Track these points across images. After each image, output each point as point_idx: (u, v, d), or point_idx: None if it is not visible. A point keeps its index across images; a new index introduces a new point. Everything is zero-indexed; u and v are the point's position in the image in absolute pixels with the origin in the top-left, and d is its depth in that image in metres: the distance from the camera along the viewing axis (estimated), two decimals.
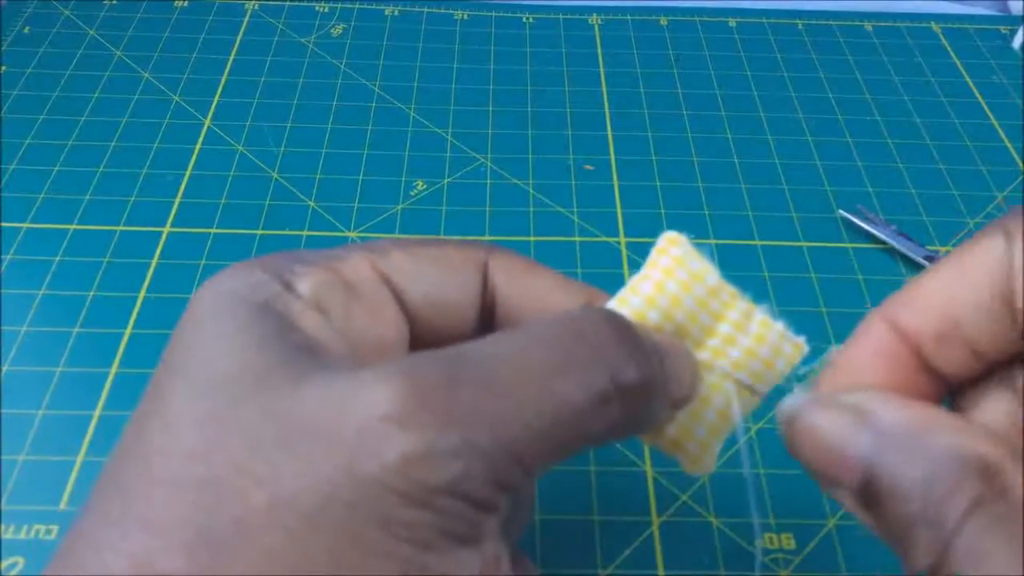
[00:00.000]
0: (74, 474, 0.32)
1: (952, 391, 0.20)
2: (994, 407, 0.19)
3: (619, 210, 0.43)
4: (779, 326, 0.23)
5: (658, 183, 0.44)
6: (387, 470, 0.16)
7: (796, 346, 0.23)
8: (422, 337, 0.23)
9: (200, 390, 0.18)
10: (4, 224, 0.40)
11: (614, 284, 0.39)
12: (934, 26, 0.56)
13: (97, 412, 0.33)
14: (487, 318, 0.23)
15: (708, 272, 0.23)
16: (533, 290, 0.23)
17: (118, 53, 0.51)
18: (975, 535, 0.16)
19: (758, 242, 0.41)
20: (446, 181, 0.44)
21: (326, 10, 0.55)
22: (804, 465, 0.19)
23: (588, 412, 0.19)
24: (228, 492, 0.17)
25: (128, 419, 0.19)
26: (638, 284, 0.22)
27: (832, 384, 0.20)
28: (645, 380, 0.19)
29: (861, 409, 0.18)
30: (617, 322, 0.20)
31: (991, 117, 0.49)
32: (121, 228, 0.41)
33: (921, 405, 0.18)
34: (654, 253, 0.23)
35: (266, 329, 0.19)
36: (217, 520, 0.16)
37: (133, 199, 0.42)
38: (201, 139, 0.45)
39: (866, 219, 0.42)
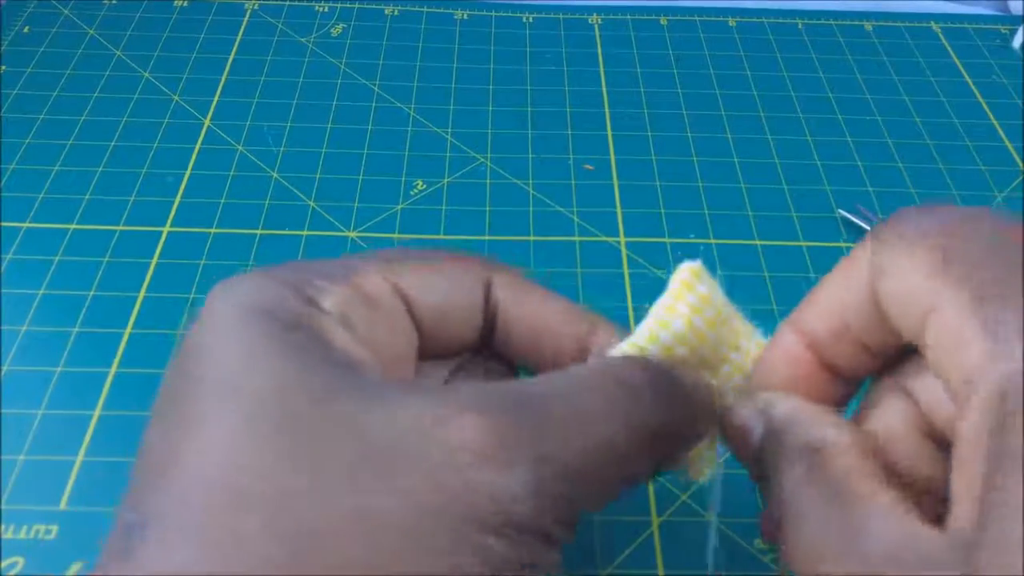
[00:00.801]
0: (74, 474, 0.32)
1: (857, 388, 0.23)
2: (893, 406, 0.21)
3: (619, 210, 0.43)
4: None
5: (658, 183, 0.44)
6: (470, 501, 0.17)
7: None
8: (428, 348, 0.23)
9: (254, 406, 0.18)
10: (4, 224, 0.40)
11: (614, 284, 0.39)
12: (934, 26, 0.56)
13: (97, 412, 0.33)
14: (488, 333, 0.24)
15: (724, 304, 0.24)
16: (535, 310, 0.24)
17: (118, 53, 0.51)
18: (799, 500, 0.19)
19: (758, 242, 0.41)
20: (446, 181, 0.44)
21: (326, 10, 0.55)
22: (730, 448, 0.23)
23: (633, 456, 0.20)
24: (306, 505, 0.17)
25: (150, 436, 0.19)
26: (668, 319, 0.23)
27: (753, 385, 0.23)
28: (679, 426, 0.21)
29: (766, 405, 0.22)
30: (656, 370, 0.21)
31: (991, 117, 0.49)
32: (121, 228, 0.41)
33: (806, 404, 0.21)
34: (679, 286, 0.23)
35: (306, 346, 0.19)
36: (297, 531, 0.16)
37: (133, 199, 0.42)
38: (201, 139, 0.45)
39: (866, 219, 0.42)
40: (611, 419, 0.20)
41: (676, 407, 0.21)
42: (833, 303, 0.21)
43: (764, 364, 0.23)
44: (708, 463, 0.24)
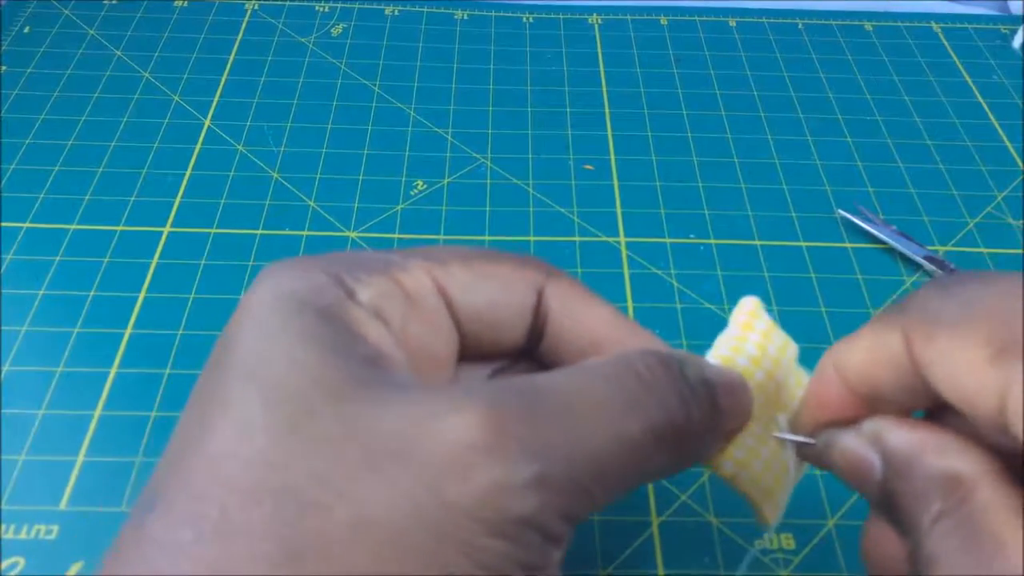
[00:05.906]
0: (74, 474, 0.32)
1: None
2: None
3: (619, 210, 0.43)
4: None
5: (658, 183, 0.44)
6: (472, 498, 0.17)
7: None
8: (468, 350, 0.23)
9: (273, 397, 0.18)
10: (4, 224, 0.40)
11: (614, 284, 0.39)
12: (934, 26, 0.56)
13: (97, 412, 0.33)
14: (535, 340, 0.24)
15: (790, 341, 0.24)
16: (587, 323, 0.23)
17: (118, 53, 0.51)
18: (934, 542, 0.18)
19: (758, 242, 0.41)
20: (446, 181, 0.44)
21: (326, 10, 0.55)
22: (841, 478, 0.22)
23: (647, 449, 0.19)
24: (309, 505, 0.17)
25: (182, 417, 0.19)
26: (741, 346, 0.23)
27: (807, 414, 0.22)
28: (695, 421, 0.20)
29: (876, 434, 0.20)
30: (670, 364, 0.21)
31: (991, 117, 0.49)
32: (121, 228, 0.41)
33: (924, 428, 0.20)
34: (745, 317, 0.24)
35: (334, 338, 0.19)
36: (298, 532, 0.16)
37: (133, 199, 0.42)
38: (201, 139, 0.45)
39: (866, 219, 0.42)
40: (624, 411, 0.19)
41: (692, 405, 0.20)
42: (865, 364, 0.20)
43: (813, 396, 0.22)
44: (781, 507, 0.23)
